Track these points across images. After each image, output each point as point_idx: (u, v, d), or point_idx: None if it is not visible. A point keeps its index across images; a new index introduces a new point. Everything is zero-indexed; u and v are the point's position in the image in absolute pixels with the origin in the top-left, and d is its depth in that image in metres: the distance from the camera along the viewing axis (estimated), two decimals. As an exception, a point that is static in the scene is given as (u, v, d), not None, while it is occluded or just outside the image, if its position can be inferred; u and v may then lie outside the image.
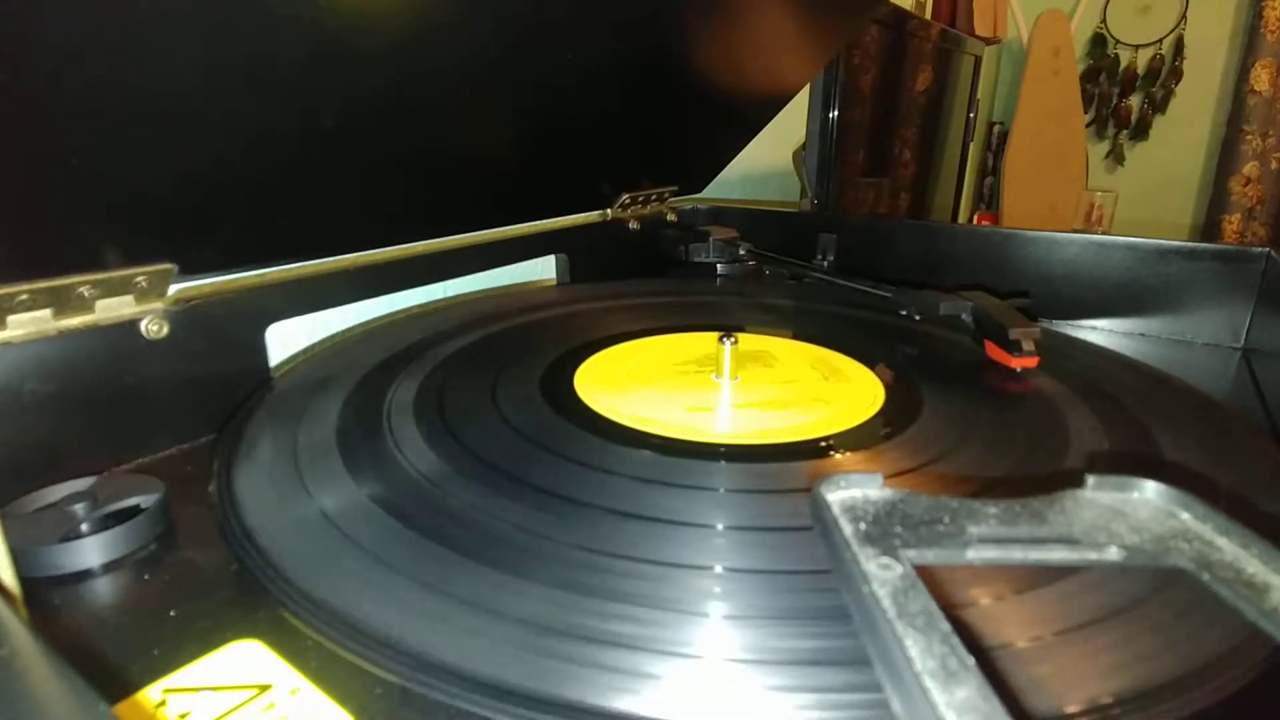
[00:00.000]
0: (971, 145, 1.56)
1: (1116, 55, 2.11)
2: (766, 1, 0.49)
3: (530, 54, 0.39)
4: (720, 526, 0.24)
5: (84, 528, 0.24)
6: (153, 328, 0.31)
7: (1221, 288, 0.49)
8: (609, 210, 0.60)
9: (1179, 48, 2.01)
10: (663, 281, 0.59)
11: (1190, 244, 0.49)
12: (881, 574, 0.15)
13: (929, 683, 0.13)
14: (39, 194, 0.26)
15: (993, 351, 0.40)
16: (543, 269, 0.59)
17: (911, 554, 0.16)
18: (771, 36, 0.54)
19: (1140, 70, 2.07)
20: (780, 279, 0.59)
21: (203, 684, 0.18)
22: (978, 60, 1.43)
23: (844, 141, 0.94)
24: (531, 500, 0.25)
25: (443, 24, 0.33)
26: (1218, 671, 0.18)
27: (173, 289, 0.32)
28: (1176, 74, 2.02)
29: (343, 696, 0.18)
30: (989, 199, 2.18)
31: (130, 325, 0.31)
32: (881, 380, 0.36)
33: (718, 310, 0.51)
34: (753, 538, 0.23)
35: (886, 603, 0.15)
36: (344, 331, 0.45)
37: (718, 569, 0.22)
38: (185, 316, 0.33)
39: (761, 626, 0.19)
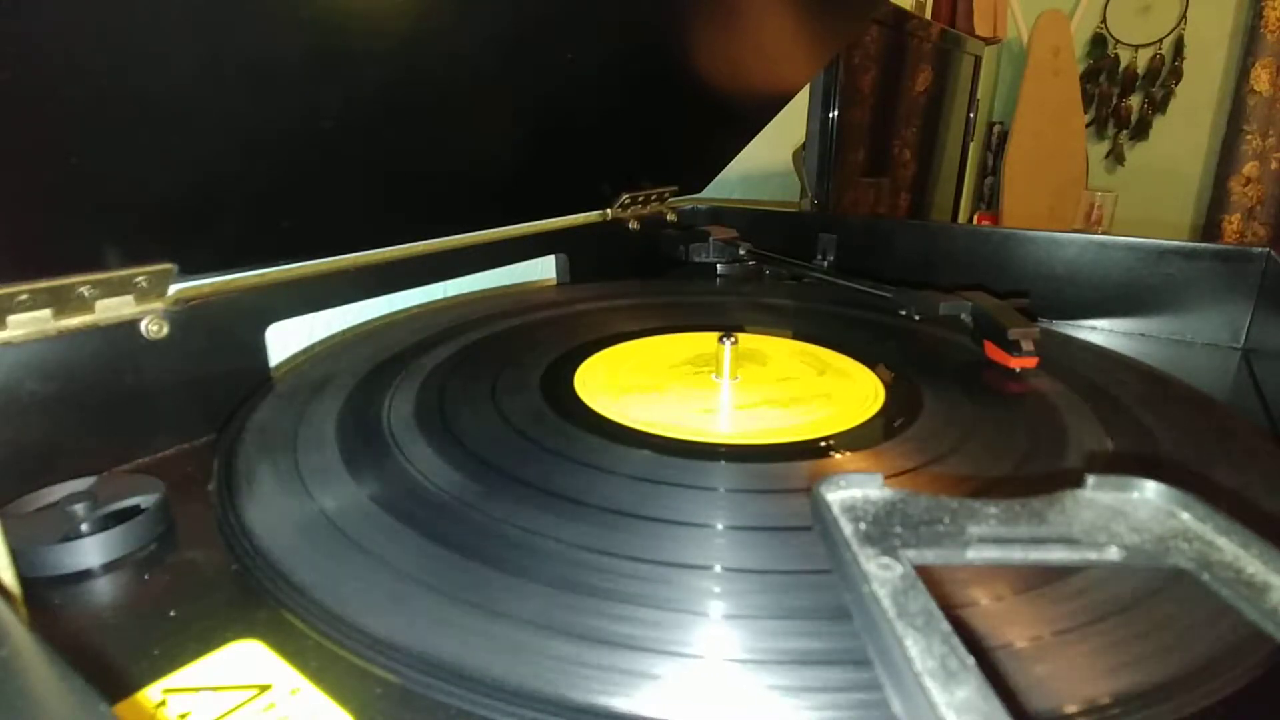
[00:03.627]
0: (971, 145, 1.56)
1: (1116, 55, 2.11)
2: (766, 1, 0.49)
3: (530, 54, 0.39)
4: (720, 526, 0.24)
5: (84, 528, 0.24)
6: (153, 328, 0.31)
7: (1221, 288, 0.48)
8: (609, 210, 0.60)
9: (1179, 48, 2.01)
10: (663, 281, 0.59)
11: (1190, 244, 0.49)
12: (881, 574, 0.15)
13: (929, 683, 0.13)
14: (39, 194, 0.26)
15: (992, 351, 0.40)
16: (543, 269, 0.59)
17: (911, 554, 0.16)
18: (771, 37, 0.54)
19: (1140, 70, 2.07)
20: (780, 279, 0.59)
21: (203, 684, 0.18)
22: (978, 60, 1.43)
23: (844, 141, 0.94)
24: (531, 500, 0.25)
25: (443, 24, 0.33)
26: (1218, 671, 0.18)
27: (173, 289, 0.32)
28: (1176, 74, 2.02)
29: (343, 696, 0.18)
30: (989, 199, 2.18)
31: (130, 325, 0.31)
32: (881, 380, 0.36)
33: (718, 310, 0.51)
34: (753, 538, 0.23)
35: (886, 603, 0.15)
36: (344, 331, 0.45)
37: (718, 569, 0.22)
38: (185, 316, 0.33)
39: (761, 626, 0.19)
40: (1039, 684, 0.17)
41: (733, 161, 0.68)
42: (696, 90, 0.54)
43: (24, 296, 0.28)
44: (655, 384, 0.36)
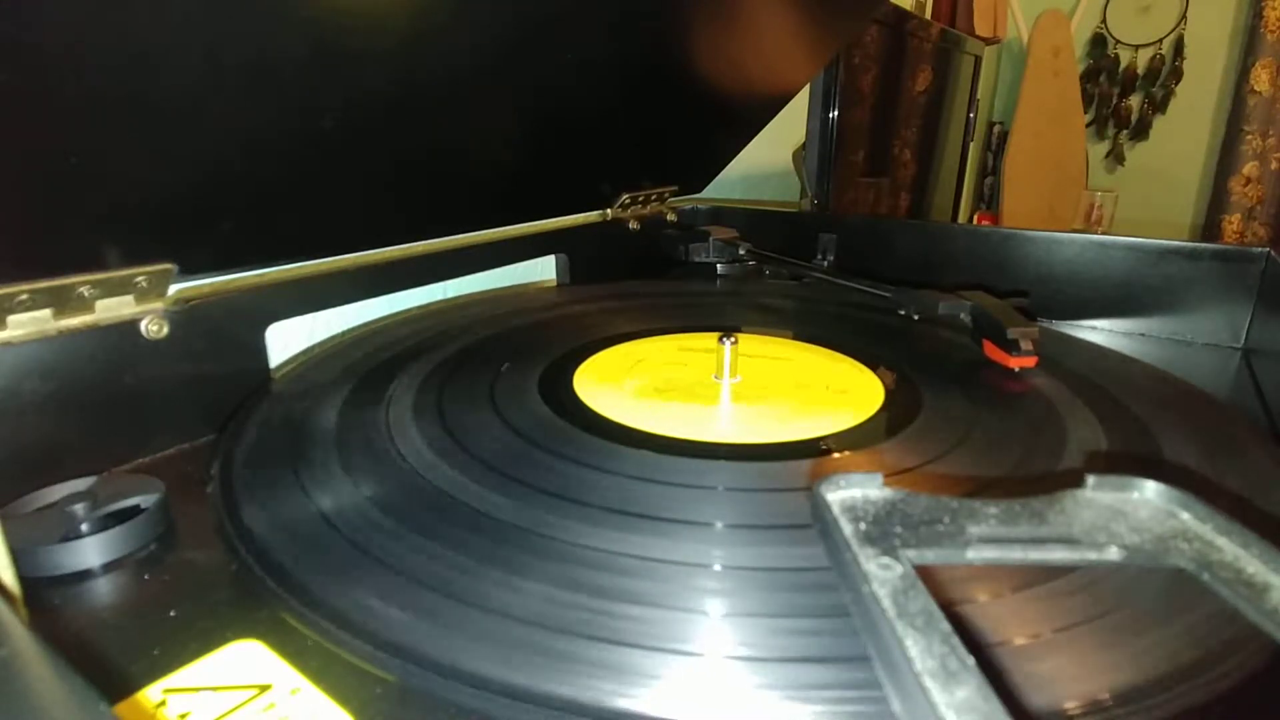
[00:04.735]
0: (971, 145, 1.56)
1: (1116, 55, 2.11)
2: (766, 1, 0.49)
3: (530, 54, 0.39)
4: (720, 525, 0.24)
5: (84, 528, 0.24)
6: (153, 328, 0.31)
7: (1221, 288, 0.48)
8: (609, 210, 0.60)
9: (1179, 48, 2.01)
10: (663, 281, 0.59)
11: (1190, 244, 0.49)
12: (881, 574, 0.15)
13: (929, 683, 0.13)
14: (39, 194, 0.26)
15: (991, 351, 0.40)
16: (543, 269, 0.59)
17: (911, 554, 0.16)
18: (771, 37, 0.54)
19: (1140, 70, 2.07)
20: (780, 279, 0.59)
21: (203, 684, 0.18)
22: (978, 60, 1.43)
23: (844, 141, 0.94)
24: (531, 500, 0.25)
25: (443, 24, 0.33)
26: (1217, 670, 0.18)
27: (173, 289, 0.32)
28: (1176, 74, 2.02)
29: (343, 696, 0.18)
30: (989, 199, 2.18)
31: (130, 325, 0.31)
32: (881, 380, 0.36)
33: (718, 310, 0.51)
34: (752, 536, 0.23)
35: (886, 603, 0.15)
36: (344, 332, 0.45)
37: (717, 567, 0.22)
38: (185, 316, 0.33)
39: (761, 625, 0.19)
40: (1039, 682, 0.17)
41: (733, 161, 0.68)
42: (696, 90, 0.54)
43: (24, 296, 0.28)
44: (655, 384, 0.36)
